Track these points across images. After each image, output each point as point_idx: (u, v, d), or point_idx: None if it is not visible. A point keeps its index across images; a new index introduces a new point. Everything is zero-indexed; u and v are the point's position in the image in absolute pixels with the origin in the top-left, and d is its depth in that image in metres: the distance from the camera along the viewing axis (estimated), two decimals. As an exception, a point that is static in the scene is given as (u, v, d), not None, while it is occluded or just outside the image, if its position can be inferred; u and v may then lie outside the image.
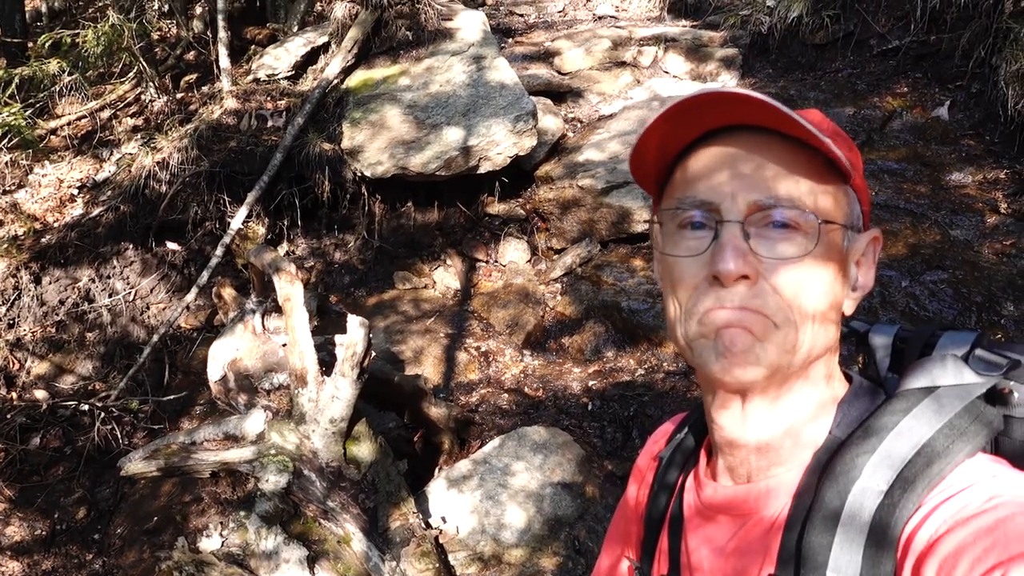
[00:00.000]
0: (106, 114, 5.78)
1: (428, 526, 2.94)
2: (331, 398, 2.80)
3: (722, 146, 0.74)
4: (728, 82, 5.73)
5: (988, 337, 0.81)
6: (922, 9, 5.09)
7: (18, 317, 4.50)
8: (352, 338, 2.77)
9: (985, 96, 4.56)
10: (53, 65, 4.98)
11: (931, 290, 3.61)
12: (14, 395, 4.23)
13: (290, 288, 2.91)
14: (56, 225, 4.85)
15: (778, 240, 0.72)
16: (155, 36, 6.11)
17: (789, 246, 0.71)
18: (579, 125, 5.49)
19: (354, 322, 2.80)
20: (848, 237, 0.76)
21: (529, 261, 4.85)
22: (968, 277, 3.62)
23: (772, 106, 0.68)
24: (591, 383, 3.82)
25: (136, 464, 2.90)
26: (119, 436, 3.99)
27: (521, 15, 7.35)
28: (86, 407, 4.05)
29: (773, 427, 0.77)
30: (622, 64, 5.97)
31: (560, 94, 5.71)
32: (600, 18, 7.02)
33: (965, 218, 4.00)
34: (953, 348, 0.77)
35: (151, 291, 4.75)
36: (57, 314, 4.55)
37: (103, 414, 3.99)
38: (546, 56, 6.18)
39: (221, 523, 2.94)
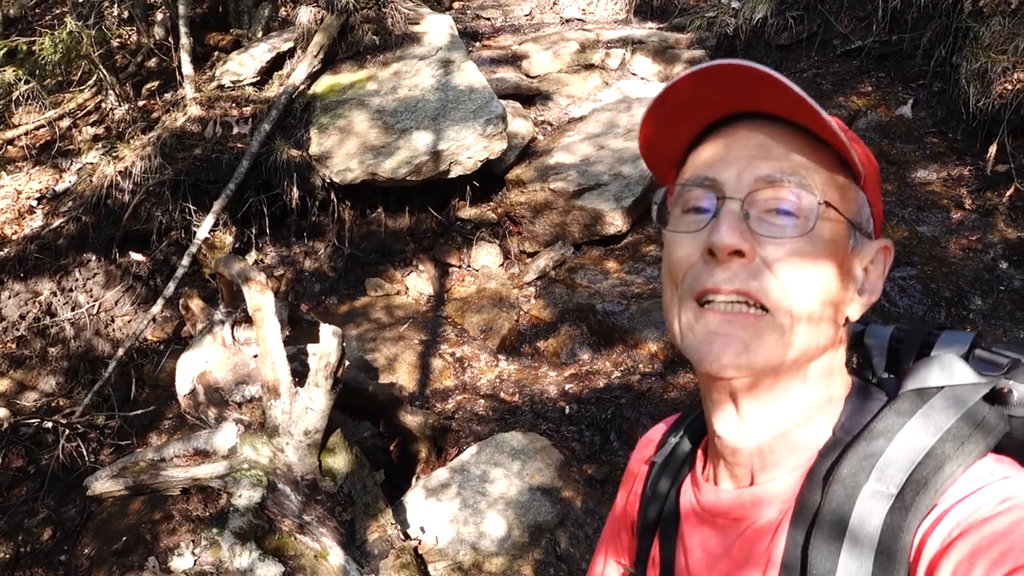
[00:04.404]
0: (65, 123, 5.64)
1: (407, 537, 2.90)
2: (305, 409, 2.74)
3: (731, 132, 0.74)
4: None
5: (986, 337, 0.80)
6: (883, 9, 5.17)
7: (-24, 333, 4.36)
8: (325, 348, 2.71)
9: (947, 94, 4.64)
10: (9, 73, 4.85)
11: (901, 286, 3.65)
12: (-27, 414, 4.09)
13: (260, 298, 2.85)
14: (15, 238, 4.71)
15: (779, 224, 0.70)
16: (115, 43, 5.98)
17: (789, 228, 0.70)
18: (549, 128, 5.48)
19: (327, 331, 2.74)
20: (855, 237, 0.74)
21: (502, 265, 4.83)
22: (936, 272, 3.67)
23: (786, 87, 0.67)
24: (568, 387, 3.80)
25: (103, 483, 2.82)
26: (85, 453, 3.87)
27: (488, 19, 7.33)
28: (50, 424, 3.92)
29: (770, 429, 0.75)
30: (590, 66, 5.98)
31: (529, 97, 5.70)
32: (567, 21, 7.04)
33: (931, 214, 4.07)
34: (952, 348, 0.76)
35: (115, 303, 4.64)
36: (17, 329, 4.41)
37: (67, 431, 3.87)
38: (514, 59, 6.17)
39: (193, 541, 2.86)
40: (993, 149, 4.11)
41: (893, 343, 0.83)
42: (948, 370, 0.73)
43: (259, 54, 5.37)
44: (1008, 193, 3.97)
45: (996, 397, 0.72)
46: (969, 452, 0.67)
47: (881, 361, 0.82)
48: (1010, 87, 4.09)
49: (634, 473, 1.00)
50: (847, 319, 0.76)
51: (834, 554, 0.67)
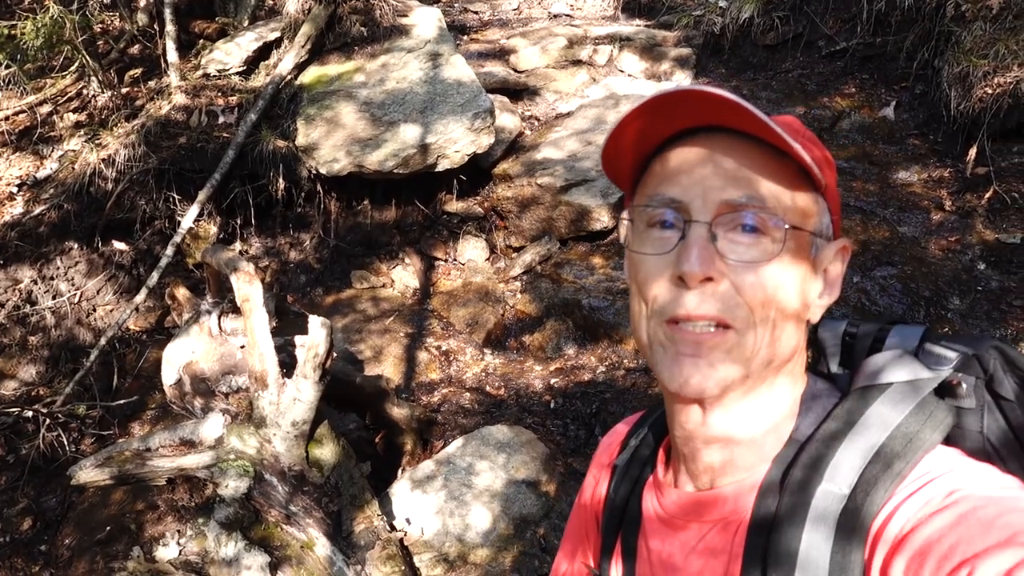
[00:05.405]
0: (46, 109, 5.56)
1: (393, 528, 2.91)
2: (293, 400, 2.74)
3: (696, 146, 0.74)
4: (682, 81, 5.80)
5: (936, 331, 0.82)
6: (868, 12, 5.23)
7: (-46, 321, 4.30)
8: (314, 339, 2.71)
9: (929, 97, 4.71)
10: (-11, 57, 4.78)
11: (881, 285, 3.71)
12: (-49, 402, 4.04)
13: (249, 288, 2.84)
14: (-6, 224, 4.65)
15: (746, 244, 0.71)
16: (98, 29, 5.90)
17: (756, 250, 0.71)
18: (536, 123, 5.49)
19: (315, 323, 2.74)
20: (816, 245, 0.76)
21: (488, 259, 4.84)
22: (916, 272, 3.73)
23: (748, 110, 0.68)
24: (553, 381, 3.82)
25: (88, 472, 2.80)
26: (65, 443, 3.84)
27: (476, 12, 7.32)
28: (30, 413, 3.88)
29: (734, 432, 0.77)
30: (578, 62, 5.99)
31: (517, 92, 5.70)
32: (555, 16, 7.04)
33: (912, 215, 4.13)
34: (903, 343, 0.78)
35: (98, 292, 4.59)
36: (-3, 317, 4.36)
37: (48, 420, 3.83)
38: (502, 54, 6.16)
39: (178, 531, 2.86)
40: (973, 152, 4.18)
41: (846, 338, 0.84)
42: (898, 366, 0.74)
43: (245, 43, 5.33)
44: (987, 195, 4.04)
45: (946, 390, 0.73)
46: (918, 448, 0.69)
47: (835, 356, 0.84)
48: (990, 91, 4.16)
49: (596, 476, 1.01)
50: (808, 322, 0.78)
51: (794, 548, 0.68)
